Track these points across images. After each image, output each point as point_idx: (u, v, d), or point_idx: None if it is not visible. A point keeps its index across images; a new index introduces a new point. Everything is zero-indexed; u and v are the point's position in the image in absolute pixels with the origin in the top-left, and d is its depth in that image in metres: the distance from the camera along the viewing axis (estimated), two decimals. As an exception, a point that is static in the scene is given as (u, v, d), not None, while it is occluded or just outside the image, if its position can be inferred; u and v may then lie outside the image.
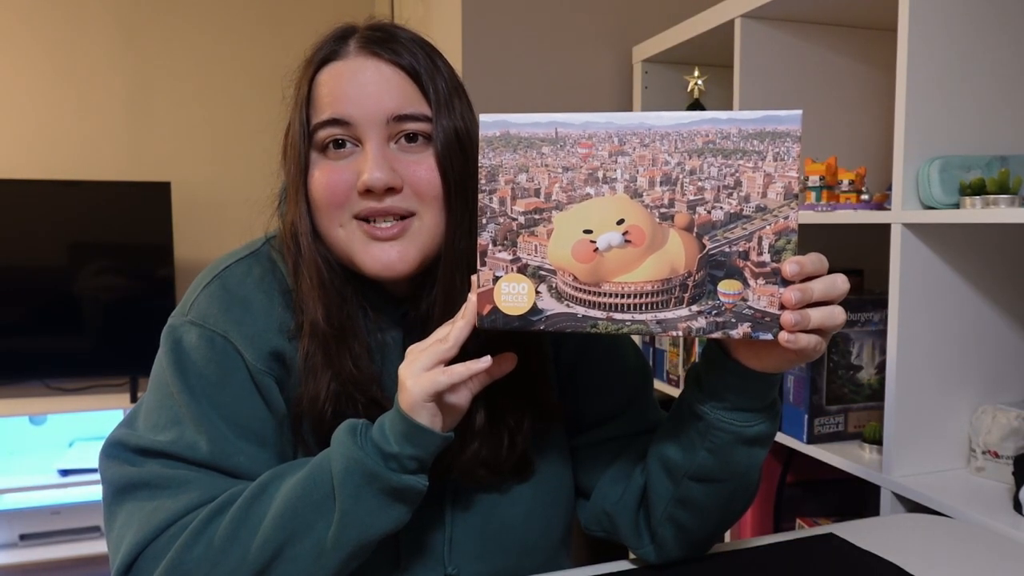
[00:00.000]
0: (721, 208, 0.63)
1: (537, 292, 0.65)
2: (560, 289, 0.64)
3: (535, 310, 0.65)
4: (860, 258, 1.53)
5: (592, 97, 2.15)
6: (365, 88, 0.74)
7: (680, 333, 0.63)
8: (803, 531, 0.95)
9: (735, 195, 0.63)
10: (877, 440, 1.30)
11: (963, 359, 1.24)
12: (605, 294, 0.64)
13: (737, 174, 0.63)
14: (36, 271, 2.46)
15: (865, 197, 1.39)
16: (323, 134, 0.74)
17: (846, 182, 1.40)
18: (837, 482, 1.53)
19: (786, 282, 0.62)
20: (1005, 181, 1.11)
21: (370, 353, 0.77)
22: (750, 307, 0.62)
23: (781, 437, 1.46)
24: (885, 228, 1.22)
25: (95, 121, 2.65)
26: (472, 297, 0.67)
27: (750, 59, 1.60)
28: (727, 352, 0.70)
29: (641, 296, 0.64)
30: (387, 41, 0.76)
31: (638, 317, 0.64)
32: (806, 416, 1.39)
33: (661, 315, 0.63)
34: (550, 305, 0.65)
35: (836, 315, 0.64)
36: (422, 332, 0.76)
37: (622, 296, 0.64)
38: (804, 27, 1.63)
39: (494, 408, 0.78)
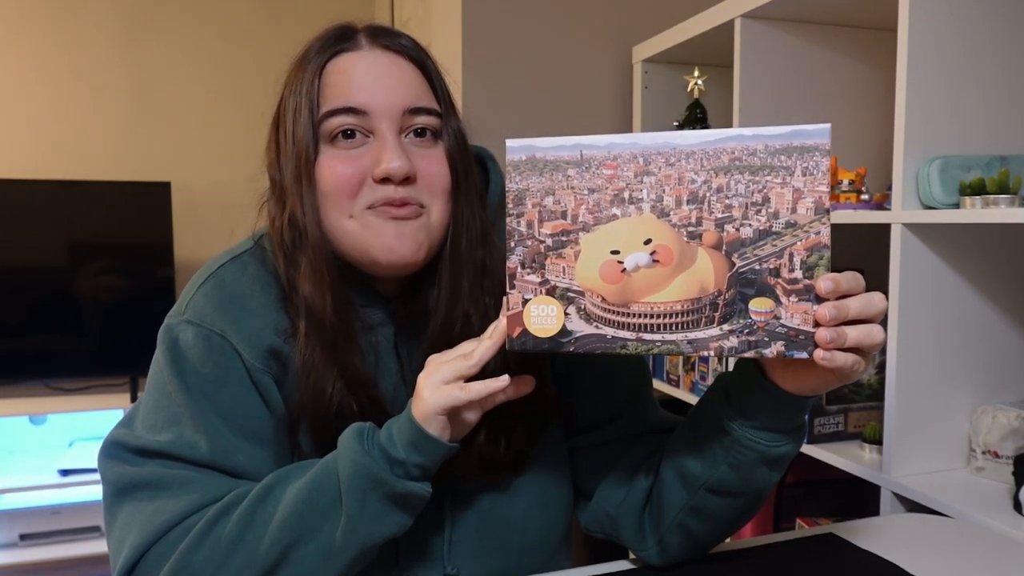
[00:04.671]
0: (750, 225, 0.62)
1: (566, 314, 0.64)
2: (589, 310, 0.64)
3: (564, 332, 0.65)
4: (860, 258, 1.52)
5: (592, 97, 2.15)
6: (381, 79, 0.74)
7: (712, 353, 0.62)
8: (803, 531, 0.95)
9: (764, 211, 0.62)
10: (877, 440, 1.30)
11: (963, 359, 1.24)
12: (634, 315, 0.63)
13: (765, 190, 0.61)
14: (36, 271, 2.46)
15: (865, 197, 1.39)
16: (334, 123, 0.74)
17: (846, 182, 1.40)
18: (837, 482, 1.52)
19: (820, 299, 0.60)
20: (1005, 181, 1.11)
21: (363, 353, 0.77)
22: (783, 325, 0.61)
23: (781, 437, 1.46)
24: (885, 228, 1.22)
25: (95, 121, 2.65)
26: (502, 319, 0.67)
27: (750, 59, 1.60)
28: (763, 372, 0.69)
29: (671, 316, 0.63)
30: (395, 36, 0.77)
31: (668, 337, 0.63)
32: (806, 416, 1.38)
33: (692, 335, 0.62)
34: (579, 327, 0.64)
35: (874, 334, 0.61)
36: (415, 331, 0.77)
37: (651, 316, 0.63)
38: (804, 27, 1.63)
39: (494, 408, 0.78)
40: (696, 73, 1.90)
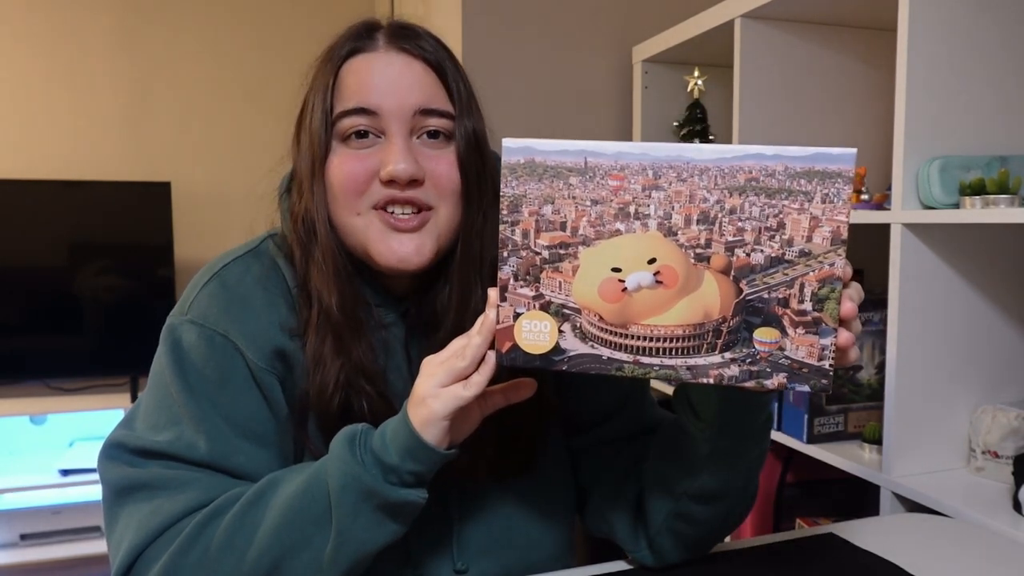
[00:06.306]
0: (762, 251, 0.59)
1: (560, 331, 0.61)
2: (585, 329, 0.61)
3: (558, 350, 0.62)
4: (860, 258, 1.53)
5: (592, 97, 2.15)
6: (394, 81, 0.75)
7: (711, 380, 0.60)
8: (803, 531, 0.95)
9: (777, 238, 0.58)
10: (877, 440, 1.30)
11: (963, 359, 1.24)
12: (633, 336, 0.61)
13: (781, 215, 0.58)
14: (36, 271, 2.46)
15: (865, 197, 1.39)
16: (347, 123, 0.75)
17: (846, 182, 1.40)
18: (837, 482, 1.53)
19: (826, 331, 0.58)
20: (1005, 181, 1.11)
21: (374, 349, 0.77)
22: (787, 357, 0.59)
23: (781, 437, 1.46)
24: (885, 228, 1.22)
25: (95, 121, 2.65)
26: (490, 313, 0.64)
27: (750, 59, 1.60)
28: None
29: (671, 340, 0.60)
30: (415, 38, 0.78)
31: (667, 362, 0.60)
32: (806, 416, 1.39)
33: (692, 361, 0.60)
34: (574, 345, 0.61)
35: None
36: (425, 331, 0.76)
37: (651, 339, 0.60)
38: (804, 27, 1.63)
39: (497, 412, 0.78)
40: (696, 73, 1.90)
